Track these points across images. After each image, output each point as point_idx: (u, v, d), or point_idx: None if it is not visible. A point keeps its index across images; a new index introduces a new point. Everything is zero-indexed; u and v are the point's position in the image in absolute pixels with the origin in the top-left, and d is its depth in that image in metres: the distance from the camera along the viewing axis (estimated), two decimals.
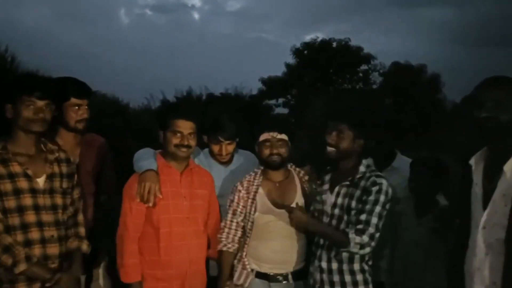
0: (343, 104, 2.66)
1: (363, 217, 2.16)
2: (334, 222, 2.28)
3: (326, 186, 2.40)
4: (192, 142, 2.39)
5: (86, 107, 2.60)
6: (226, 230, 2.51)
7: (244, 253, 2.48)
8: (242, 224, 2.50)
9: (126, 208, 2.35)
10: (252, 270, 2.46)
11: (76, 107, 2.55)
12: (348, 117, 2.29)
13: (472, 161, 1.96)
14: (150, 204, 2.30)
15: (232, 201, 2.52)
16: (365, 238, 2.13)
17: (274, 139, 2.42)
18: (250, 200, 2.47)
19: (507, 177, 1.79)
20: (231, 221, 2.51)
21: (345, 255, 2.24)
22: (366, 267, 2.28)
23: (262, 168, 2.54)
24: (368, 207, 2.17)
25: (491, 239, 1.83)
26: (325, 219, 2.33)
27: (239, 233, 2.51)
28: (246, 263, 2.47)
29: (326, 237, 2.29)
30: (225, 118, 2.70)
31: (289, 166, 2.57)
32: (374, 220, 2.15)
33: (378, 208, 2.17)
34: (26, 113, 2.09)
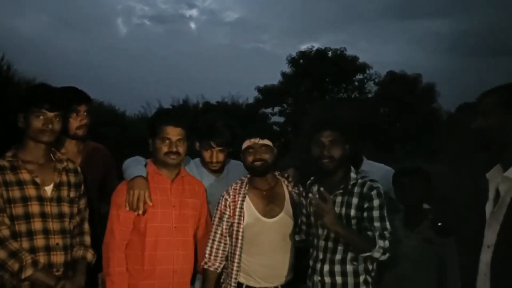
0: (329, 114, 2.62)
1: (377, 224, 2.15)
2: (332, 233, 2.19)
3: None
4: (181, 149, 2.35)
5: (85, 113, 2.62)
6: (210, 243, 2.44)
7: (235, 269, 2.38)
8: (227, 234, 2.42)
9: (114, 215, 2.30)
10: (240, 284, 2.39)
11: (75, 114, 2.58)
12: (338, 124, 2.28)
13: (488, 176, 1.88)
14: (140, 212, 2.26)
15: (217, 209, 2.45)
16: (387, 243, 2.12)
17: (257, 145, 2.37)
18: (238, 210, 2.39)
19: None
20: (215, 233, 2.43)
21: (349, 268, 2.19)
22: (369, 279, 2.23)
23: (248, 176, 2.48)
24: (376, 213, 2.16)
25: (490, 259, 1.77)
26: (320, 231, 2.26)
27: (222, 246, 2.42)
28: (236, 279, 2.38)
29: (351, 240, 2.15)
30: (219, 124, 2.67)
31: (276, 174, 2.52)
32: (387, 224, 2.16)
33: (384, 212, 2.18)
34: (35, 124, 2.14)
